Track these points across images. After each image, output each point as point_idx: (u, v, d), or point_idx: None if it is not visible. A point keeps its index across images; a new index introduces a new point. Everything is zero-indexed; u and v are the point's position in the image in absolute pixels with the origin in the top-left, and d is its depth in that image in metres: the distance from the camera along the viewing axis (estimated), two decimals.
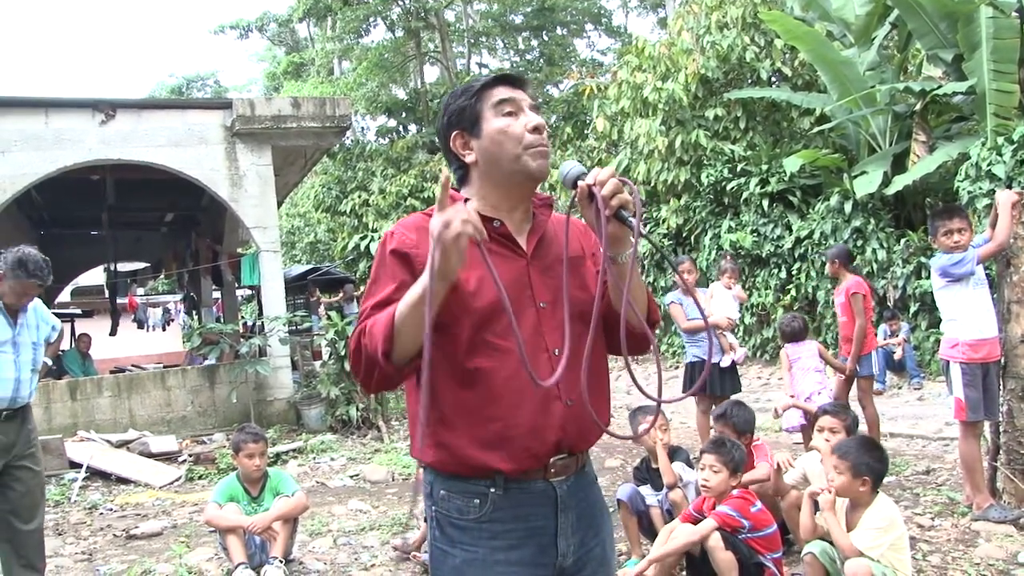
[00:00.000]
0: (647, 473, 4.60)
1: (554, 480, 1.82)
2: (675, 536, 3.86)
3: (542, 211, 1.95)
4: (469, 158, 1.87)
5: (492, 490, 1.78)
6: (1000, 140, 9.39)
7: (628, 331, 1.72)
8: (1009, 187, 8.14)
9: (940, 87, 10.66)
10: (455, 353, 1.75)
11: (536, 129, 1.82)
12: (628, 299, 1.71)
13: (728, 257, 9.86)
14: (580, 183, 1.74)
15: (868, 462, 3.51)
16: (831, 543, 3.59)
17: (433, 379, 1.71)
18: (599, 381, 1.88)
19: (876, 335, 7.94)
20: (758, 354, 13.07)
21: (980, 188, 9.27)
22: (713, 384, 6.78)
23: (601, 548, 1.92)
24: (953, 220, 4.85)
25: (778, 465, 4.30)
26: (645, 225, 15.46)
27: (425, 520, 1.86)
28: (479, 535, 1.79)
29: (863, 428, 6.53)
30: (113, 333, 16.50)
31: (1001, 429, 4.85)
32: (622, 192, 1.70)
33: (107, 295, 17.47)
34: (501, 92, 1.86)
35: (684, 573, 4.02)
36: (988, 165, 9.29)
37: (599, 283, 1.73)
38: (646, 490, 4.54)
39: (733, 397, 6.28)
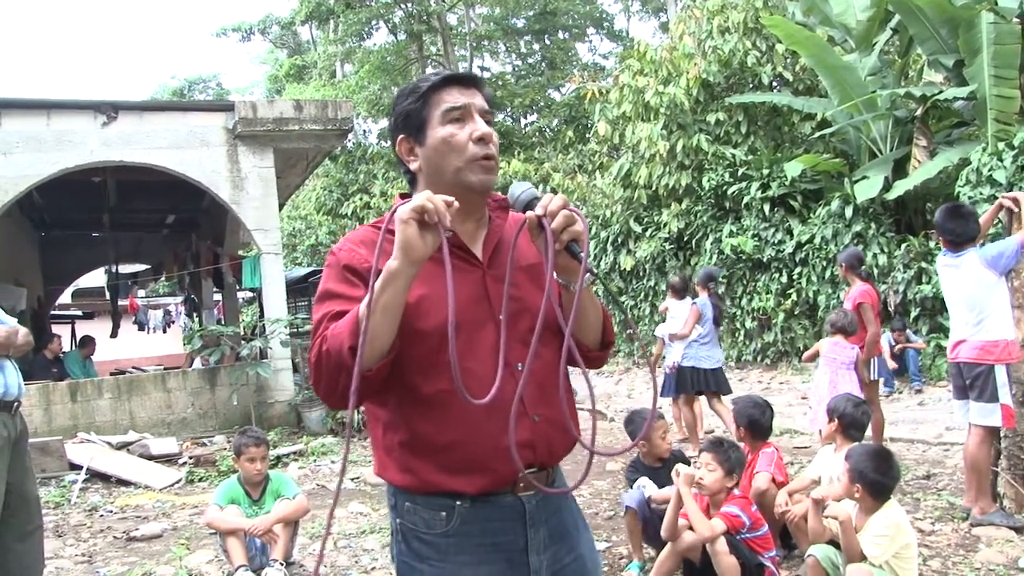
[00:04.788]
0: (642, 467, 4.57)
1: (522, 495, 1.76)
2: (684, 537, 3.84)
3: (498, 214, 1.85)
4: (413, 165, 1.79)
5: (459, 503, 1.73)
6: (1001, 145, 9.41)
7: (583, 353, 1.72)
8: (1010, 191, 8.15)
9: (941, 92, 10.68)
10: (413, 377, 1.70)
11: (481, 139, 1.71)
12: (571, 333, 1.62)
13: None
14: (530, 212, 1.66)
15: (867, 470, 3.54)
16: (837, 547, 3.59)
17: (395, 403, 1.71)
18: (560, 393, 1.76)
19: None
20: (759, 358, 13.07)
21: (980, 193, 9.29)
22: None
23: (580, 563, 1.85)
24: None
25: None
26: (592, 259, 15.49)
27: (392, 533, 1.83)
28: (446, 550, 1.74)
29: (867, 432, 6.55)
30: (114, 335, 16.51)
31: (1002, 434, 4.85)
32: (574, 224, 1.62)
33: (108, 297, 17.47)
34: (451, 97, 1.74)
35: None
36: (989, 170, 9.31)
37: (542, 309, 1.62)
38: (645, 482, 4.48)
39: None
